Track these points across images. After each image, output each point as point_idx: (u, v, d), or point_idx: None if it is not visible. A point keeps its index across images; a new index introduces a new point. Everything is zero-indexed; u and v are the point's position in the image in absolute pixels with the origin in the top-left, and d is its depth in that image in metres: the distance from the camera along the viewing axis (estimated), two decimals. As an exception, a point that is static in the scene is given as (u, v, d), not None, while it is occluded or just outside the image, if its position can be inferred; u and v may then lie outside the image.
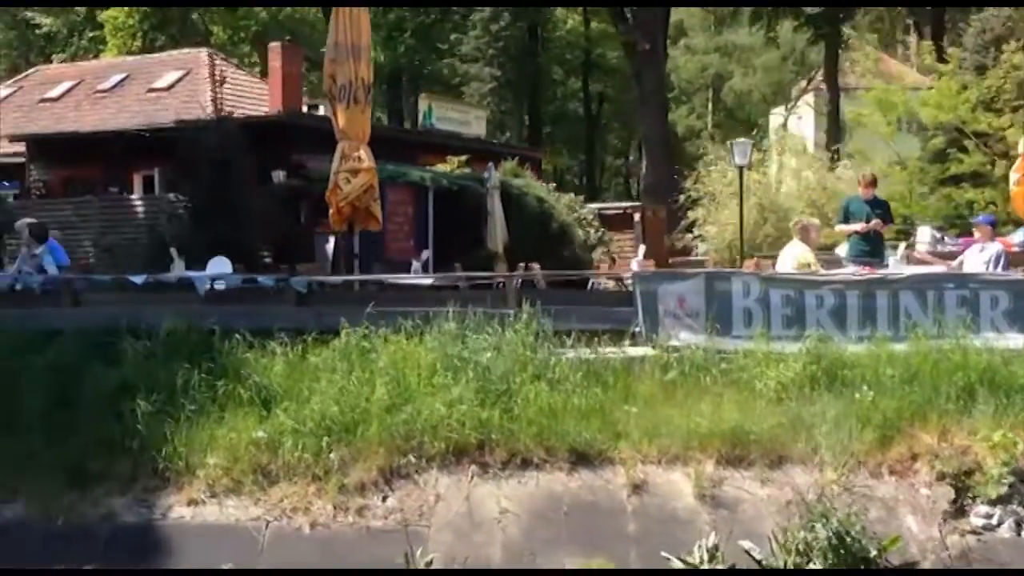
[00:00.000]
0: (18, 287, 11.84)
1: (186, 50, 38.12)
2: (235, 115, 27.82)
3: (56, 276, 12.03)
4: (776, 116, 72.78)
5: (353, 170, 13.34)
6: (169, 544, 9.28)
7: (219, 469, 9.73)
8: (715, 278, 11.36)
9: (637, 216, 33.17)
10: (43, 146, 29.58)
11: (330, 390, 10.16)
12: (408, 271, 20.01)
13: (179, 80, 34.25)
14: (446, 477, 9.75)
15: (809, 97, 71.29)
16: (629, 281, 12.85)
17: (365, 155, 13.59)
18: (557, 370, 10.52)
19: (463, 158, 25.41)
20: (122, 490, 9.73)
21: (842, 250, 14.77)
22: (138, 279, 11.22)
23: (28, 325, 11.10)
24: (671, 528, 9.30)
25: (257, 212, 21.33)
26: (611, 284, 18.95)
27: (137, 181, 28.46)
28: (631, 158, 78.18)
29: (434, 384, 10.30)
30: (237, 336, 10.98)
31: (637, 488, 9.60)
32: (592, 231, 25.29)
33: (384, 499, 9.60)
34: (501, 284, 11.52)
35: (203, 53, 36.23)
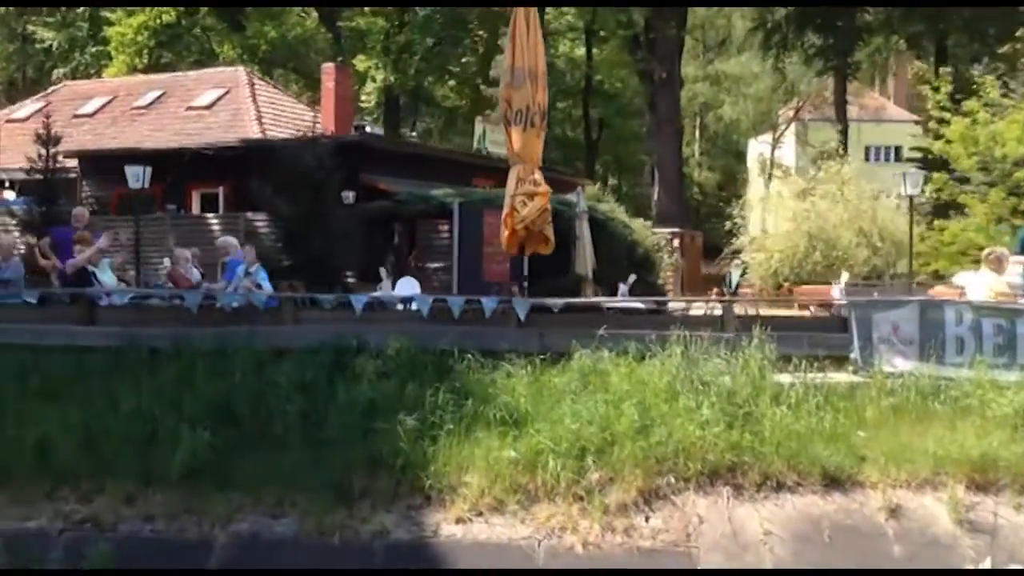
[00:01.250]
0: (235, 304, 11.88)
1: (220, 68, 38.17)
2: (282, 136, 28.08)
3: (280, 295, 12.08)
4: (757, 145, 73.94)
5: (529, 193, 13.54)
6: (446, 562, 9.37)
7: (479, 488, 9.81)
8: (929, 306, 11.64)
9: (676, 242, 33.51)
10: (97, 162, 29.43)
11: (582, 411, 10.29)
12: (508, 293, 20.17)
13: (219, 99, 34.29)
14: (703, 498, 9.91)
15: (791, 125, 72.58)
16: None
17: (540, 178, 13.79)
18: (792, 394, 10.71)
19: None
20: (387, 507, 9.78)
21: None
22: (359, 300, 11.31)
23: (255, 343, 11.16)
24: (935, 552, 9.51)
25: (348, 232, 21.43)
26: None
27: (195, 198, 28.41)
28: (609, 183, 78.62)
29: (678, 406, 10.46)
30: (469, 356, 11.09)
31: (893, 512, 9.79)
32: (666, 256, 25.62)
33: (647, 519, 9.74)
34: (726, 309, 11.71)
35: (240, 72, 36.32)
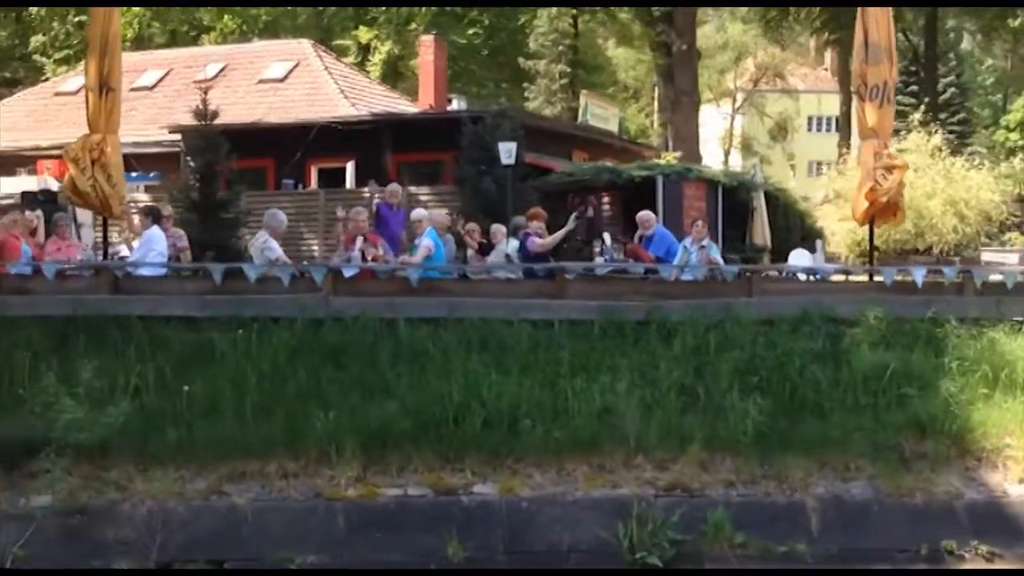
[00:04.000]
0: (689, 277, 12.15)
1: (283, 40, 37.78)
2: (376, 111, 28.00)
3: (745, 267, 12.35)
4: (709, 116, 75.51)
5: (888, 167, 13.98)
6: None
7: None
8: None
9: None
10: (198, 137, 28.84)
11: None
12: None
13: (291, 71, 33.96)
14: None
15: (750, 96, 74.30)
16: None
17: (894, 151, 14.28)
18: None
19: (675, 154, 26.14)
20: (943, 470, 10.22)
21: None
22: (825, 270, 11.70)
23: (733, 313, 11.52)
24: None
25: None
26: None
27: (313, 173, 28.21)
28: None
29: None
30: (951, 324, 11.58)
31: None
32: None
33: None
34: None
35: (305, 44, 36.04)
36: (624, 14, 52.99)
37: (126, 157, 30.03)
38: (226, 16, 52.50)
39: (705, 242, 13.80)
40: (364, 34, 52.49)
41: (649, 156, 33.87)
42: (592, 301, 11.69)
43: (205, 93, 23.06)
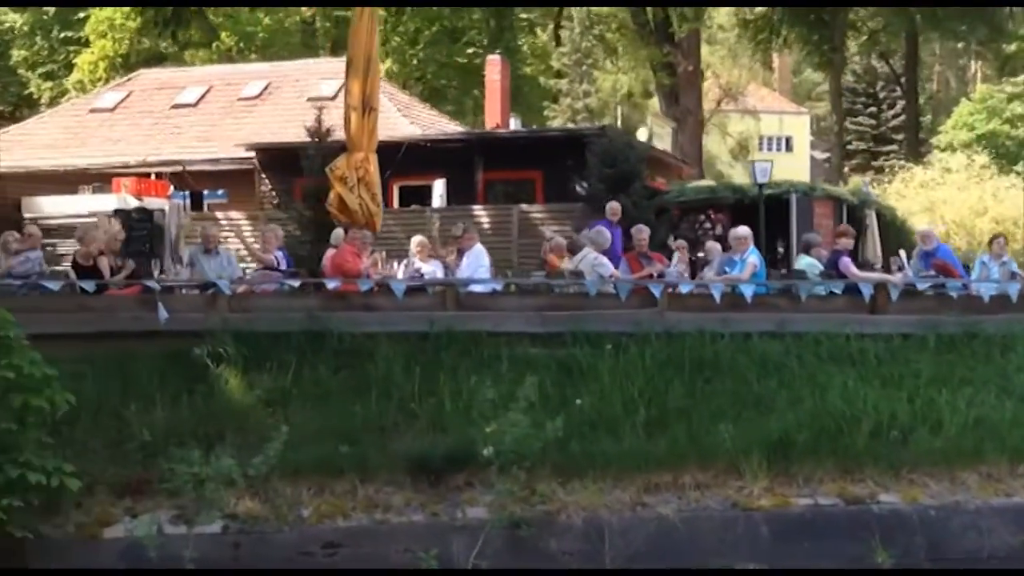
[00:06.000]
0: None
1: (327, 59, 37.68)
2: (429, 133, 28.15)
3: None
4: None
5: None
6: None
7: None
8: None
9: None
10: (276, 154, 28.76)
11: None
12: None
13: (340, 89, 33.81)
14: None
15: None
16: None
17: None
18: None
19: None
20: None
21: None
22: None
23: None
24: None
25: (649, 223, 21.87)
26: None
27: (395, 191, 28.17)
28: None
29: None
30: None
31: None
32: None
33: None
34: None
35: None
36: (611, 33, 53.67)
37: (180, 175, 29.91)
38: (224, 34, 51.92)
39: (1005, 258, 14.19)
40: (362, 53, 52.18)
41: (688, 174, 34.34)
42: (911, 316, 11.99)
43: (320, 111, 22.87)
